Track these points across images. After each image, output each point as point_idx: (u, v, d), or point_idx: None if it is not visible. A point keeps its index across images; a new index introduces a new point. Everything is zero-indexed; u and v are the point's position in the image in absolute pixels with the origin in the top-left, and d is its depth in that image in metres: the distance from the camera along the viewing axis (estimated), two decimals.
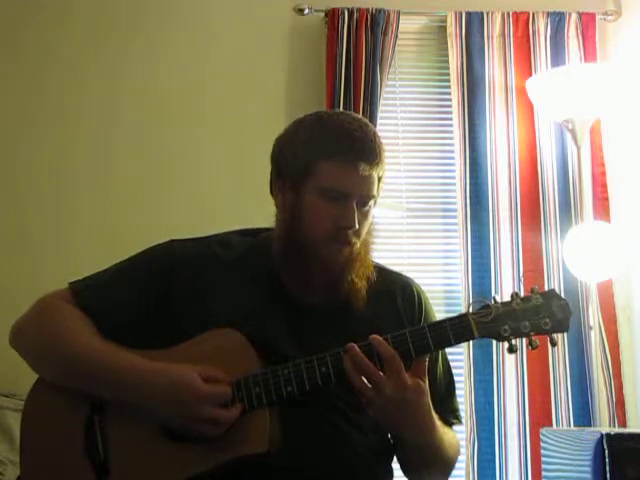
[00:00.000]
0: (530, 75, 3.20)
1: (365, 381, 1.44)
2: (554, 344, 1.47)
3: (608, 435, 2.13)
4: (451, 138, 3.26)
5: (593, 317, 2.98)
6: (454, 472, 1.67)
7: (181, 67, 3.30)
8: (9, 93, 3.22)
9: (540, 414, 3.04)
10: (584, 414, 3.04)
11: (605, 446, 2.11)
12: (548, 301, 1.46)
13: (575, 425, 3.02)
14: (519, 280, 3.08)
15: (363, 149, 1.53)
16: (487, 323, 1.44)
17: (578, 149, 3.01)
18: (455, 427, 1.68)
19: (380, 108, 3.18)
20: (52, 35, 3.26)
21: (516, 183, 3.20)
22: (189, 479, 1.45)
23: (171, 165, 3.22)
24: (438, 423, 1.53)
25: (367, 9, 3.22)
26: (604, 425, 2.99)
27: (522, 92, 3.18)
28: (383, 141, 1.58)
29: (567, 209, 3.18)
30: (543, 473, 2.67)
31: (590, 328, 3.01)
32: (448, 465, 1.62)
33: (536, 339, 1.46)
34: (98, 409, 1.52)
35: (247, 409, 1.45)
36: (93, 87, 3.25)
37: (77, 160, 3.20)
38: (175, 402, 1.44)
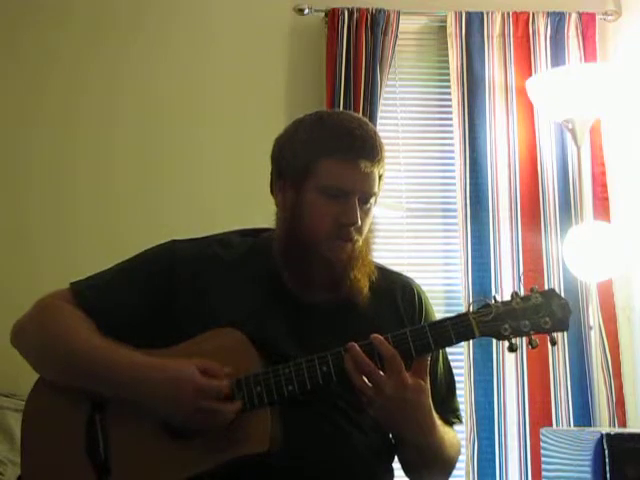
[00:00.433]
0: (530, 75, 3.20)
1: (366, 380, 1.44)
2: (554, 343, 1.48)
3: (608, 435, 2.13)
4: (451, 138, 3.26)
5: (593, 317, 2.98)
6: (454, 472, 1.67)
7: (181, 67, 3.30)
8: (9, 93, 3.22)
9: (540, 414, 3.04)
10: (584, 414, 3.04)
11: (605, 446, 2.11)
12: (548, 300, 1.46)
13: (575, 425, 3.03)
14: (519, 280, 3.08)
15: (364, 146, 1.54)
16: (487, 322, 1.45)
17: (578, 149, 3.01)
18: (455, 427, 1.68)
19: (380, 108, 3.18)
20: (52, 35, 3.26)
21: (516, 183, 3.20)
22: (190, 478, 1.45)
23: (171, 165, 3.22)
24: (438, 422, 1.53)
25: (367, 9, 3.22)
26: (604, 425, 2.99)
27: (522, 92, 3.18)
28: (383, 141, 1.59)
29: (567, 209, 3.19)
30: (543, 473, 2.67)
31: (590, 328, 3.01)
32: (449, 465, 1.62)
33: (536, 338, 1.46)
34: (99, 408, 1.52)
35: (248, 408, 1.45)
36: (93, 87, 3.25)
37: (77, 160, 3.20)
38: (174, 396, 1.44)
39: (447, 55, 3.28)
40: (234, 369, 1.47)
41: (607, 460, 2.10)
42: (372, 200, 1.58)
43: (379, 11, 3.22)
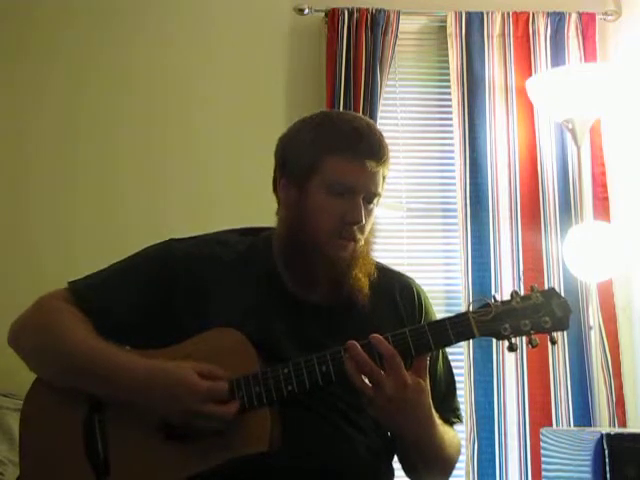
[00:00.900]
0: (530, 75, 3.20)
1: (366, 380, 1.44)
2: (554, 342, 1.47)
3: (608, 435, 2.13)
4: (451, 138, 3.26)
5: (593, 317, 2.98)
6: (454, 472, 1.66)
7: (181, 67, 3.30)
8: (9, 93, 3.22)
9: (540, 414, 3.04)
10: (584, 414, 3.04)
11: (605, 446, 2.10)
12: (548, 299, 1.46)
13: (575, 425, 3.02)
14: (519, 279, 3.08)
15: (371, 146, 1.54)
16: (487, 322, 1.44)
17: (578, 149, 3.01)
18: (455, 426, 1.68)
19: (380, 108, 3.18)
20: (52, 35, 3.26)
21: (516, 183, 3.20)
22: (189, 478, 1.45)
23: (171, 164, 3.23)
24: (438, 422, 1.53)
25: (367, 9, 3.22)
26: (604, 425, 2.99)
27: (522, 92, 3.18)
28: None
29: (567, 209, 3.18)
30: (543, 473, 2.67)
31: (590, 328, 3.01)
32: (449, 464, 1.62)
33: (536, 338, 1.46)
34: (97, 408, 1.52)
35: (247, 408, 1.45)
36: (94, 87, 3.25)
37: (77, 160, 3.20)
38: (171, 398, 1.44)
39: (447, 55, 3.29)
40: (233, 369, 1.46)
41: (607, 460, 2.09)
42: (375, 200, 1.58)
43: (379, 11, 3.22)
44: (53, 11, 3.27)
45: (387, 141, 1.58)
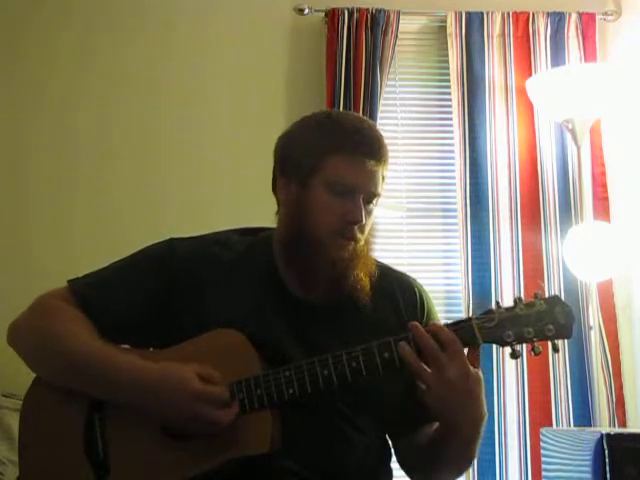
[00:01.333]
0: (530, 75, 3.20)
1: (424, 366, 1.40)
2: (556, 350, 1.45)
3: (608, 435, 2.13)
4: (451, 138, 3.26)
5: (593, 317, 2.98)
6: None
7: (181, 67, 3.30)
8: (9, 93, 3.22)
9: (540, 414, 3.04)
10: (584, 414, 3.03)
11: (605, 446, 2.11)
12: (552, 307, 1.44)
13: (575, 425, 3.02)
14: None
15: (372, 146, 1.54)
16: (490, 328, 1.42)
17: (578, 149, 3.01)
18: None
19: (380, 108, 3.18)
20: (52, 35, 3.26)
21: (516, 183, 3.20)
22: (189, 479, 1.45)
23: (171, 165, 3.22)
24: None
25: (367, 9, 3.22)
26: (604, 425, 2.99)
27: (522, 92, 3.18)
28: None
29: (567, 209, 3.18)
30: (543, 473, 2.67)
31: (590, 328, 3.01)
32: (470, 463, 1.59)
33: (539, 345, 1.44)
34: (98, 407, 1.52)
35: (248, 410, 1.44)
36: (92, 87, 3.25)
37: (77, 160, 3.20)
38: (172, 402, 1.43)
39: (447, 55, 3.28)
40: (234, 370, 1.46)
41: (607, 460, 2.10)
42: (375, 201, 1.58)
43: (379, 11, 3.22)
44: (52, 12, 3.27)
45: (387, 141, 1.59)
